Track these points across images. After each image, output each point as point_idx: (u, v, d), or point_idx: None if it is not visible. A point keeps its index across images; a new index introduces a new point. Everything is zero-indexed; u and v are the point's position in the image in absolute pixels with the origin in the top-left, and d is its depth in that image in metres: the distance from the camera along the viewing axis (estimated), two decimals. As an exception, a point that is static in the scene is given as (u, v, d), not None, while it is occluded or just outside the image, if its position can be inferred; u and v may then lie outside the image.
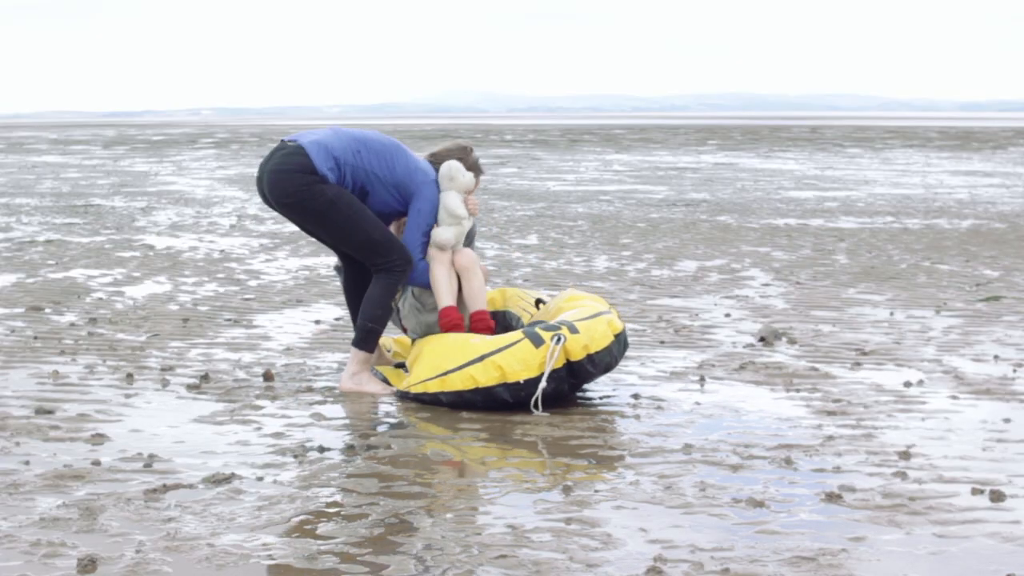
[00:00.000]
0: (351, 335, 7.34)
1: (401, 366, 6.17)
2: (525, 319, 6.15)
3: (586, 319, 5.50)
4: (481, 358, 5.37)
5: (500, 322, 6.20)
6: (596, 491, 4.29)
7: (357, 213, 5.81)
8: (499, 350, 5.37)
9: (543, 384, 5.30)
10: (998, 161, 30.89)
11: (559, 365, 5.32)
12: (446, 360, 5.48)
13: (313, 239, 6.39)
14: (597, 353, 5.41)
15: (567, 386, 5.44)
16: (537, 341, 5.35)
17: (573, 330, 5.38)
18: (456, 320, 5.88)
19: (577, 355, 5.35)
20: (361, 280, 6.13)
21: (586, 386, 5.87)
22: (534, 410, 5.36)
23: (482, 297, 6.03)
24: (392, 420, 5.33)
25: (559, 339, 5.31)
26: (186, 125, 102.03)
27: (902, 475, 4.46)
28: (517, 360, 5.32)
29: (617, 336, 5.56)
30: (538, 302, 6.25)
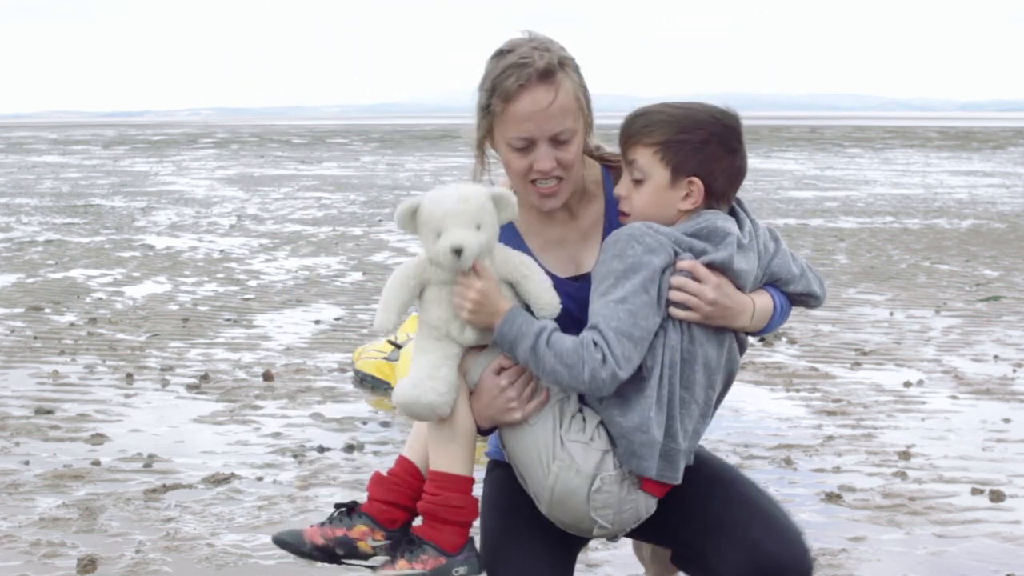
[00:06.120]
0: (350, 335, 7.35)
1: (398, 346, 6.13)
2: None
3: None
4: None
5: None
6: (596, 491, 4.28)
7: None
8: None
9: None
10: (998, 161, 30.89)
11: None
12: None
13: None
14: None
15: None
16: None
17: None
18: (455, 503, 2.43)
19: None
20: None
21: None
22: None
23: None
24: (391, 420, 5.33)
25: None
26: (186, 125, 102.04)
27: (902, 475, 4.46)
28: None
29: None
30: None
